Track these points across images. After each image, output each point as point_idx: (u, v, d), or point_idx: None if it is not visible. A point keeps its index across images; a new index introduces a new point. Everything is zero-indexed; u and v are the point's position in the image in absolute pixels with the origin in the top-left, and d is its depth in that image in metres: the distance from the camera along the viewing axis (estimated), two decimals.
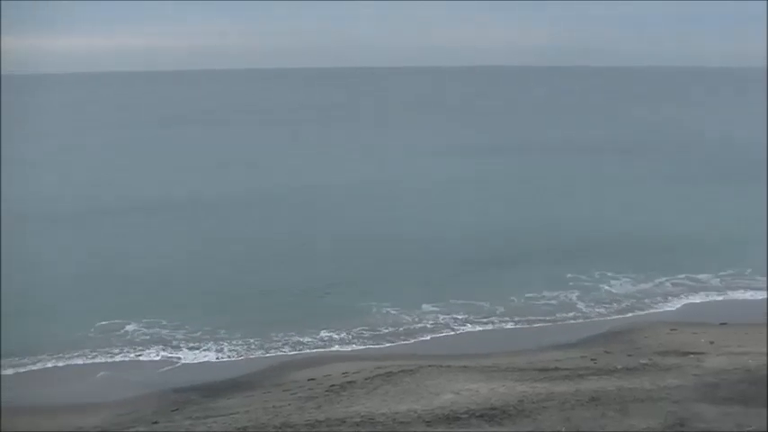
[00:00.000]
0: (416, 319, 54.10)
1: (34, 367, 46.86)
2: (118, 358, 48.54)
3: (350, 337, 51.11)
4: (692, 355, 42.43)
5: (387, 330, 52.32)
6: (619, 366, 40.26)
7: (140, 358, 48.70)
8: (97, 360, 48.11)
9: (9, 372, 46.07)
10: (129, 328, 52.57)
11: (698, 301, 58.25)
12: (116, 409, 40.70)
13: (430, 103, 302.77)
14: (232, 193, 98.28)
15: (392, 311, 55.42)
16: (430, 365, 42.00)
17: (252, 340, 50.50)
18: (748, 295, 59.68)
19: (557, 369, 40.32)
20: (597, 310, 56.34)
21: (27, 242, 72.28)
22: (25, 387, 43.86)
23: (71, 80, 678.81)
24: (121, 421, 38.52)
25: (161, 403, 41.17)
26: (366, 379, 40.03)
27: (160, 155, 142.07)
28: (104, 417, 39.61)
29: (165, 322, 53.40)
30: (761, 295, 59.45)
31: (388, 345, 50.28)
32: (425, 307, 56.13)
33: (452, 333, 52.31)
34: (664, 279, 62.30)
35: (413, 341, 51.00)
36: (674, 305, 57.47)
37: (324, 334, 51.40)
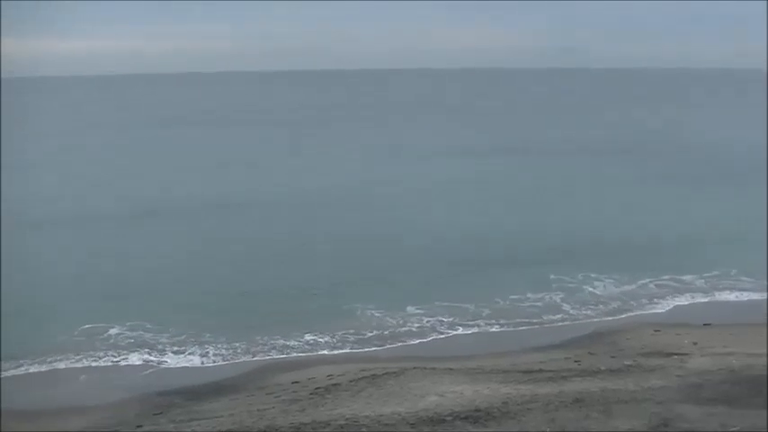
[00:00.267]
0: (401, 322, 53.98)
1: (17, 372, 46.38)
2: (101, 362, 48.19)
3: (334, 340, 50.91)
4: (675, 356, 42.52)
5: (372, 334, 52.10)
6: (602, 368, 40.34)
7: (124, 362, 48.39)
8: (80, 364, 47.73)
9: None
10: (113, 331, 52.24)
11: (683, 302, 58.21)
12: (99, 412, 40.51)
13: (425, 104, 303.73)
14: (219, 196, 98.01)
15: (377, 314, 55.29)
16: (414, 367, 41.99)
17: (237, 344, 50.21)
18: (733, 296, 59.72)
19: (541, 371, 40.38)
20: (581, 311, 56.27)
21: (12, 245, 71.77)
22: (7, 392, 43.53)
23: (66, 83, 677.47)
24: (105, 425, 38.43)
25: (144, 407, 41.00)
26: (350, 381, 40.02)
27: (150, 157, 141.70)
28: (87, 420, 39.42)
29: (149, 325, 53.07)
30: (746, 296, 59.61)
31: (373, 348, 50.15)
32: (410, 309, 56.04)
33: (438, 336, 52.13)
34: (647, 280, 62.26)
35: (398, 344, 50.83)
36: (658, 306, 57.47)
37: (308, 337, 51.19)
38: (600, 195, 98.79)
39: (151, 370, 47.43)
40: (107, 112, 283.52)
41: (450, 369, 41.77)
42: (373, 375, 40.58)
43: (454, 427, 31.00)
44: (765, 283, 61.73)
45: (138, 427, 37.15)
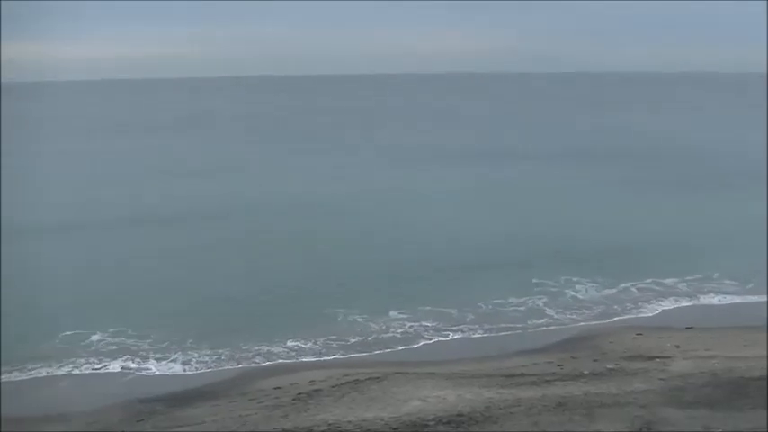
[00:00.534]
0: (384, 327, 53.85)
1: None
2: (83, 369, 47.89)
3: (317, 346, 50.69)
4: (658, 360, 42.62)
5: (354, 340, 51.87)
6: (585, 371, 40.39)
7: (106, 369, 48.10)
8: (62, 371, 47.40)
9: None
10: (95, 338, 51.93)
11: (665, 306, 58.24)
12: (81, 419, 40.32)
13: (407, 109, 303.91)
14: (200, 203, 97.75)
15: (359, 319, 55.16)
16: (397, 372, 41.97)
17: (219, 350, 49.99)
18: (716, 300, 59.80)
19: (523, 375, 40.40)
20: (564, 315, 56.24)
21: None
22: None
23: (38, 89, 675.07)
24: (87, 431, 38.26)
25: (127, 413, 40.81)
26: (333, 387, 39.95)
27: (129, 164, 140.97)
28: (69, 428, 39.25)
29: (131, 332, 52.81)
30: (729, 299, 59.74)
31: (356, 354, 49.99)
32: (393, 314, 55.94)
33: (421, 342, 51.98)
34: (629, 284, 62.29)
35: (381, 349, 50.72)
36: (640, 310, 57.43)
37: (291, 343, 50.99)
38: (582, 200, 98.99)
39: (133, 376, 47.18)
40: (87, 117, 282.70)
41: (433, 374, 41.75)
42: (356, 380, 40.53)
43: (437, 431, 30.98)
44: (748, 286, 62.02)
45: None
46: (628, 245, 73.74)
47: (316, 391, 39.77)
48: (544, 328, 54.04)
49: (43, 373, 47.10)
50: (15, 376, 46.59)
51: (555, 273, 64.62)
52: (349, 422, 33.14)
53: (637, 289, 61.57)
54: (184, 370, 47.84)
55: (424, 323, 54.48)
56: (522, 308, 57.69)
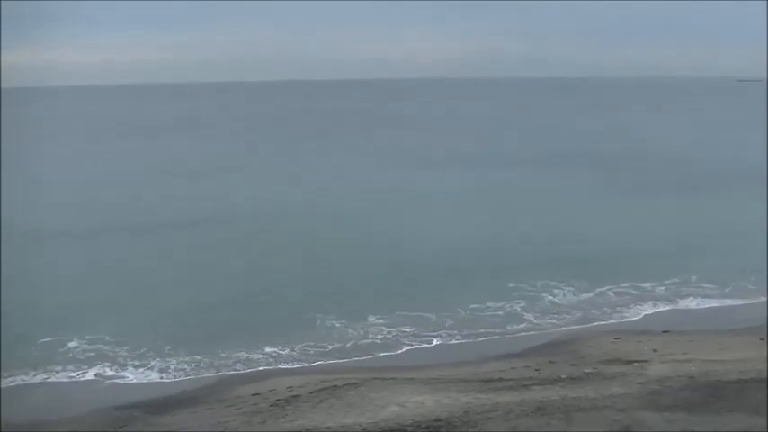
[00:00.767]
0: (362, 333, 53.74)
1: None
2: (60, 376, 47.57)
3: (294, 353, 50.52)
4: (635, 364, 42.72)
5: (333, 346, 51.63)
6: (563, 376, 40.42)
7: (83, 376, 47.80)
8: (38, 379, 47.02)
9: None
10: (72, 344, 51.66)
11: (643, 310, 58.32)
12: (58, 427, 40.06)
13: (387, 115, 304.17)
14: (178, 209, 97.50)
15: (337, 324, 55.08)
16: (374, 378, 41.92)
17: (197, 356, 49.73)
18: (694, 303, 59.99)
19: (501, 380, 40.40)
20: (542, 320, 56.25)
21: None
22: None
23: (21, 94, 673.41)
24: None
25: (105, 421, 40.58)
26: (311, 393, 39.87)
27: (109, 169, 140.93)
28: None
29: (108, 338, 52.55)
30: (707, 303, 59.96)
31: (334, 360, 49.87)
32: (371, 319, 55.89)
33: (400, 347, 51.87)
34: (606, 288, 62.44)
35: (359, 355, 50.61)
36: (618, 314, 57.53)
37: (269, 349, 50.78)
38: (561, 204, 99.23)
39: (110, 383, 46.88)
40: (76, 122, 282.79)
41: (411, 379, 41.72)
42: (334, 386, 40.46)
43: None
44: (727, 289, 62.35)
45: None
46: (605, 249, 73.98)
47: (294, 397, 39.67)
48: (523, 333, 53.97)
49: (19, 381, 46.67)
50: None
51: (532, 277, 64.66)
52: (327, 428, 33.07)
53: (614, 293, 61.66)
54: (161, 378, 47.55)
55: (403, 328, 54.37)
56: (500, 312, 57.67)
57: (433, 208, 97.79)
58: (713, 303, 59.84)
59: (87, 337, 52.75)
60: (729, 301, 60.14)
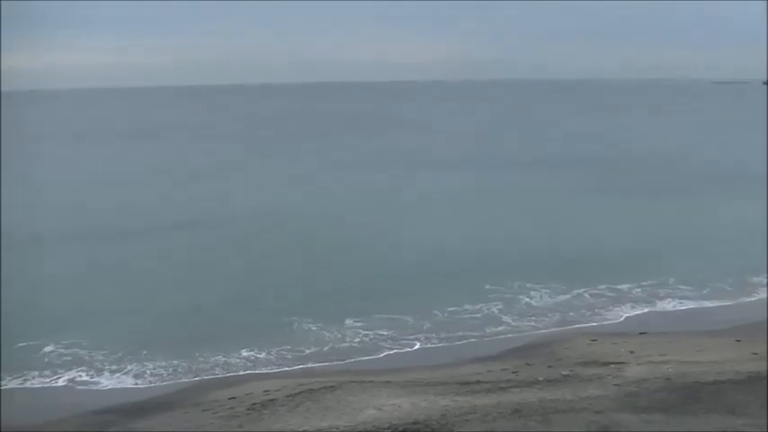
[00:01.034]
0: (339, 336, 53.51)
1: None
2: (35, 381, 47.18)
3: (271, 356, 50.24)
4: (612, 366, 42.77)
5: (310, 350, 51.37)
6: (540, 378, 40.44)
7: (59, 381, 47.45)
8: (13, 384, 46.60)
9: None
10: (48, 349, 51.22)
11: (620, 312, 58.32)
12: None
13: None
14: (156, 215, 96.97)
15: (314, 327, 54.88)
16: (351, 381, 41.81)
17: (174, 361, 49.31)
18: (672, 305, 60.08)
19: (478, 382, 40.38)
20: (520, 322, 56.15)
21: None
22: None
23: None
24: None
25: (81, 426, 40.32)
26: (288, 396, 39.73)
27: (89, 173, 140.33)
28: None
29: (85, 343, 52.08)
30: (684, 305, 60.09)
31: (311, 364, 49.65)
32: (349, 322, 55.71)
33: (385, 353, 51.61)
34: (583, 290, 62.44)
35: (337, 358, 50.43)
36: (595, 315, 57.61)
37: (246, 353, 50.53)
38: (537, 207, 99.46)
39: (86, 388, 46.57)
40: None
41: (388, 382, 41.64)
42: (310, 390, 40.32)
43: None
44: (705, 291, 62.57)
45: None
46: (583, 250, 74.22)
47: (270, 401, 39.54)
48: (501, 336, 53.90)
49: None
50: None
51: (509, 279, 64.61)
52: (304, 431, 33.02)
53: (590, 295, 61.67)
54: (136, 384, 47.08)
55: (380, 332, 54.18)
56: (477, 315, 57.58)
57: (413, 211, 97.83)
58: (690, 305, 59.96)
59: (63, 341, 52.30)
60: (707, 303, 60.31)
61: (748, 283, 64.42)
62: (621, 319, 57.06)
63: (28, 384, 46.92)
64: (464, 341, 52.84)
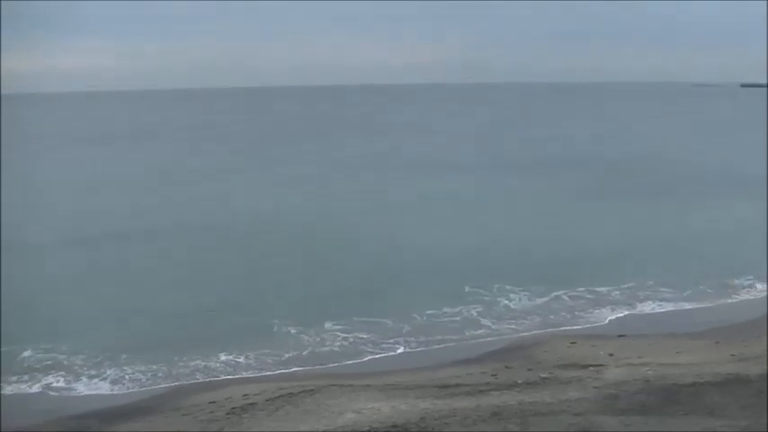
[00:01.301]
0: (319, 340, 53.37)
1: None
2: (12, 387, 46.83)
3: (249, 361, 50.03)
4: (591, 368, 42.82)
5: (289, 354, 51.17)
6: (519, 381, 40.45)
7: (37, 385, 47.13)
8: None
9: None
10: (26, 354, 50.85)
11: (599, 314, 58.38)
12: None
13: (329, 122, 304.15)
14: (137, 219, 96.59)
15: (294, 331, 54.73)
16: (331, 385, 41.75)
17: (153, 366, 48.93)
18: (651, 308, 60.06)
19: (458, 385, 40.36)
20: (499, 325, 56.09)
21: None
22: None
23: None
24: None
25: (57, 429, 40.21)
26: (267, 400, 39.64)
27: (69, 177, 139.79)
28: None
29: (64, 348, 51.67)
30: (664, 307, 60.18)
31: (291, 368, 49.53)
32: (328, 326, 55.59)
33: (360, 356, 51.52)
34: (561, 292, 62.34)
35: (317, 361, 50.34)
36: (574, 318, 57.66)
37: (225, 357, 50.30)
38: (516, 210, 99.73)
39: (65, 393, 46.30)
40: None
41: (368, 385, 41.59)
42: (290, 394, 40.24)
43: None
44: (685, 293, 62.69)
45: None
46: (562, 253, 74.23)
47: (250, 404, 39.44)
48: (480, 339, 53.84)
49: None
50: None
51: (488, 281, 64.54)
52: None
53: (569, 297, 61.68)
54: (111, 390, 46.63)
55: (360, 335, 54.06)
56: (456, 318, 57.52)
57: (396, 213, 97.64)
58: (670, 307, 60.04)
59: (42, 346, 51.86)
60: (686, 305, 60.43)
61: (729, 285, 64.64)
62: (601, 321, 57.07)
63: (6, 389, 46.47)
64: (444, 345, 52.74)
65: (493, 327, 56.02)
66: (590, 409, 33.24)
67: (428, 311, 58.25)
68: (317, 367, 49.28)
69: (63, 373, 48.57)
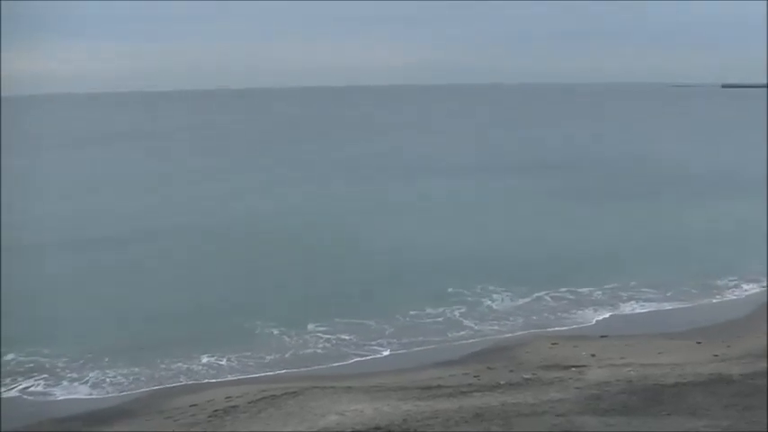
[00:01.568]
0: (301, 342, 53.21)
1: None
2: None
3: (233, 363, 49.84)
4: (573, 369, 42.90)
5: (272, 356, 50.91)
6: (502, 382, 40.48)
7: (18, 389, 46.88)
8: None
9: None
10: (8, 357, 50.50)
11: (582, 315, 58.34)
12: None
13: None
14: (120, 222, 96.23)
15: (276, 332, 54.57)
16: (314, 387, 41.67)
17: (136, 369, 48.69)
18: (633, 308, 60.08)
19: (440, 387, 40.35)
20: (482, 326, 55.98)
21: None
22: None
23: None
24: None
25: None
26: (249, 403, 39.55)
27: (54, 179, 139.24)
28: None
29: (46, 351, 51.35)
30: (647, 307, 60.25)
31: (275, 370, 49.34)
32: (311, 327, 55.46)
33: (343, 358, 51.34)
34: (543, 293, 62.39)
35: (299, 363, 50.17)
36: (556, 319, 57.64)
37: (207, 360, 50.09)
38: (499, 211, 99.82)
39: (48, 397, 46.02)
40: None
41: (350, 387, 41.53)
42: (272, 396, 40.15)
43: None
44: (668, 293, 62.75)
45: None
46: (545, 253, 74.35)
47: (232, 407, 39.33)
48: (464, 341, 53.66)
49: None
50: None
51: (471, 282, 64.56)
52: None
53: (552, 298, 61.70)
54: (90, 394, 46.37)
55: (342, 336, 53.97)
56: (439, 319, 57.44)
57: (380, 215, 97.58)
58: (653, 308, 60.11)
59: (26, 349, 51.43)
60: (668, 305, 60.52)
61: (713, 285, 64.73)
62: (583, 322, 57.07)
63: None
64: (426, 346, 52.66)
65: (475, 328, 55.94)
66: (572, 409, 33.27)
67: (411, 312, 58.22)
68: (299, 369, 49.14)
69: (45, 376, 48.21)
